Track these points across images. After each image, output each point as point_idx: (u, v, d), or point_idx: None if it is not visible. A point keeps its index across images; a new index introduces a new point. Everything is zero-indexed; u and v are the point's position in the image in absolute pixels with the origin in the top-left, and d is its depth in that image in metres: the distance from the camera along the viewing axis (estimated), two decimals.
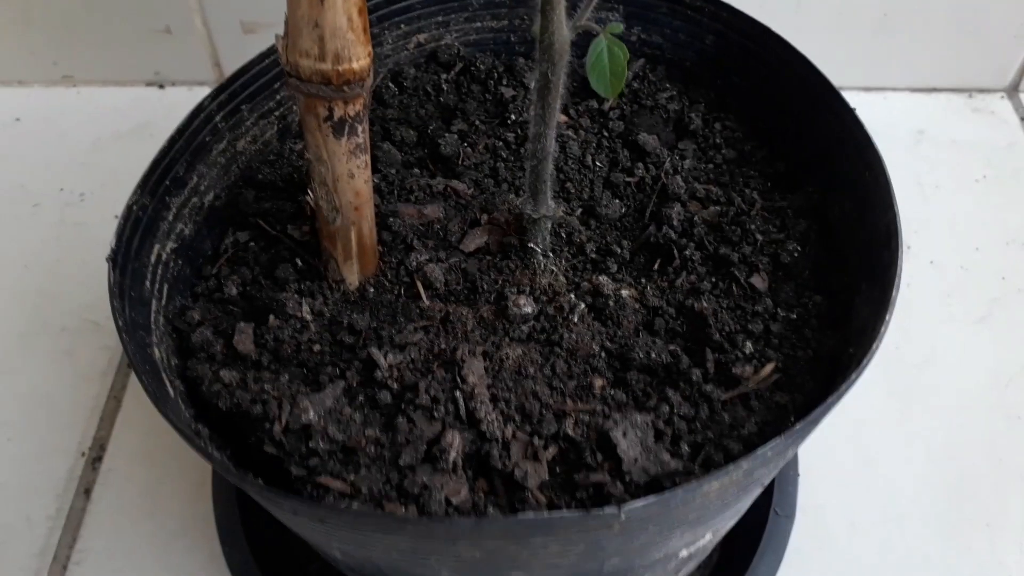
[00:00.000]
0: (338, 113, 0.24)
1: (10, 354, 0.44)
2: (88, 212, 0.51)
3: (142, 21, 0.54)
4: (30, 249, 0.49)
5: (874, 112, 0.55)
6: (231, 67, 0.55)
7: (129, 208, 0.25)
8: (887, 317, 0.22)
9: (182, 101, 0.56)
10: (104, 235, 0.48)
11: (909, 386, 0.43)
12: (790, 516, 0.36)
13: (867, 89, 0.57)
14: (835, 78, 0.55)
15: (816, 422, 0.21)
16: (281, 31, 0.51)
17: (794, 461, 0.37)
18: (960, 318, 0.46)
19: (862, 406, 0.42)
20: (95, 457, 0.42)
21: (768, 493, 0.36)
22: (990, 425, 0.42)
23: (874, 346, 0.22)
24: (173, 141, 0.27)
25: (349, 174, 0.26)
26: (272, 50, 0.30)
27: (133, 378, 0.44)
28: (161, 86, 0.57)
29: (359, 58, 0.23)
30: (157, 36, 0.54)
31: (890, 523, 0.39)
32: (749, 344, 0.25)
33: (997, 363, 0.44)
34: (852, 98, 0.54)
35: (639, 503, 0.19)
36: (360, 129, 0.25)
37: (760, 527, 0.35)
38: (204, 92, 0.55)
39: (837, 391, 0.21)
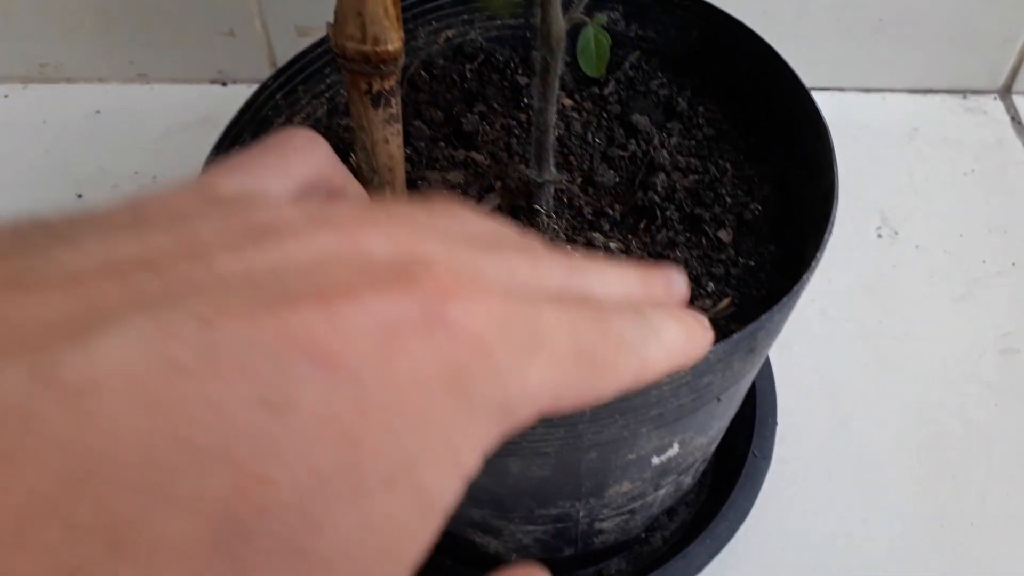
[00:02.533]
0: (376, 87, 0.30)
1: None
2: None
3: (208, 24, 0.60)
4: None
5: (872, 111, 0.60)
6: None
7: (205, 166, 0.31)
8: (819, 255, 0.27)
9: (242, 96, 0.63)
10: None
11: (888, 355, 0.47)
12: (767, 458, 0.40)
13: (866, 90, 0.61)
14: (835, 79, 0.60)
15: (753, 337, 0.26)
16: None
17: (772, 411, 0.42)
18: (940, 296, 0.50)
19: (843, 371, 0.47)
20: None
21: (747, 438, 0.41)
22: (962, 390, 0.46)
23: (804, 278, 0.26)
24: (242, 113, 0.33)
25: (384, 139, 0.31)
26: (323, 42, 0.36)
27: None
28: (224, 83, 0.64)
29: (392, 41, 0.29)
30: (221, 38, 0.61)
31: (862, 473, 0.43)
32: (711, 284, 0.30)
33: (973, 336, 0.48)
34: (851, 98, 0.60)
35: None
36: (393, 101, 0.31)
37: (739, 466, 0.40)
38: None
39: (770, 311, 0.26)
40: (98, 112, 0.63)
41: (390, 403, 0.13)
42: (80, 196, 0.57)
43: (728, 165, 0.34)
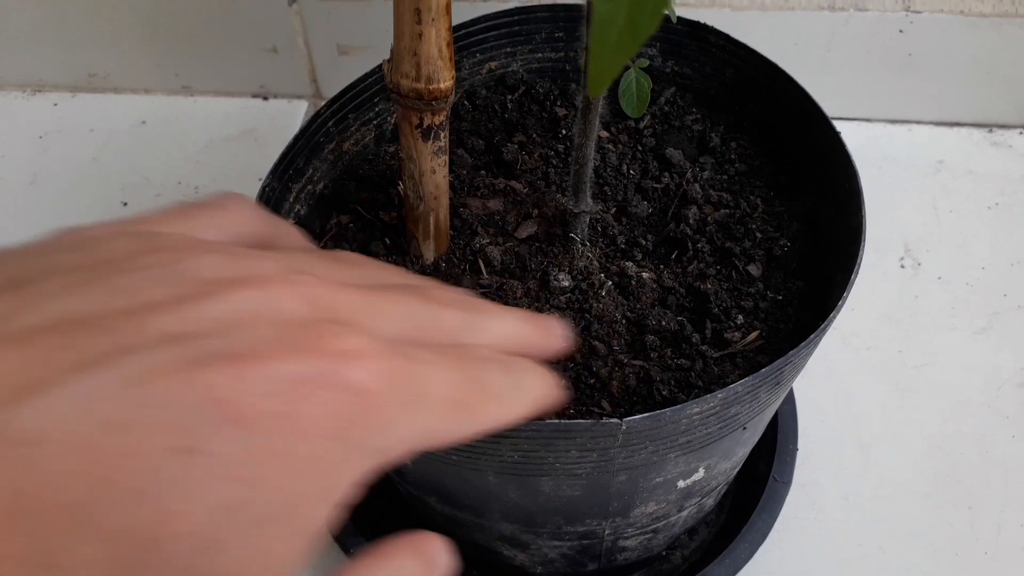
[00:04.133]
0: (427, 122, 0.31)
1: None
2: None
3: (253, 41, 0.62)
4: None
5: (898, 143, 0.61)
6: (326, 83, 0.64)
7: (263, 189, 0.33)
8: (845, 295, 0.28)
9: (283, 111, 0.65)
10: None
11: (908, 385, 0.48)
12: (787, 483, 0.42)
13: (892, 121, 0.62)
14: (862, 110, 0.61)
15: (780, 371, 0.27)
16: (369, 52, 0.59)
17: (794, 436, 0.43)
18: (962, 328, 0.51)
19: (863, 399, 0.48)
20: None
21: (768, 462, 0.42)
22: (980, 421, 0.47)
23: (831, 316, 0.28)
24: (297, 139, 0.35)
25: (432, 170, 0.33)
26: (373, 72, 0.37)
27: None
28: (265, 98, 0.66)
29: (445, 80, 0.30)
30: (264, 54, 0.63)
31: (880, 500, 0.44)
32: (740, 317, 0.32)
33: (993, 369, 0.49)
34: (878, 129, 0.61)
35: (637, 417, 0.26)
36: (442, 135, 0.32)
37: (760, 490, 0.41)
38: (302, 104, 0.65)
39: (797, 348, 0.27)
40: (144, 122, 0.65)
41: (286, 450, 0.16)
42: (125, 204, 0.59)
43: (759, 201, 0.36)
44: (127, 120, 0.65)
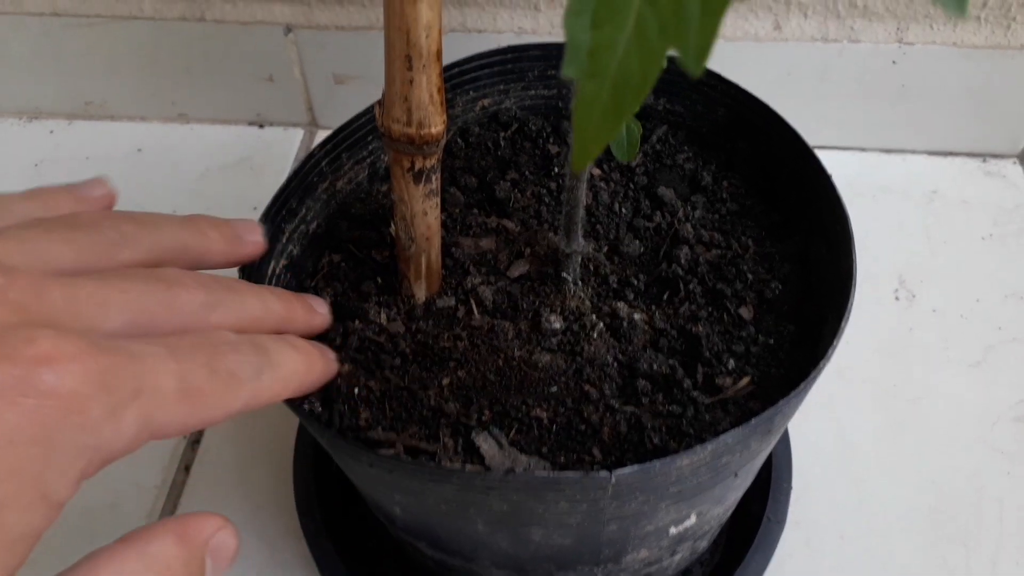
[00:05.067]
0: (418, 165, 0.31)
1: None
2: None
3: (249, 70, 0.63)
4: None
5: (892, 172, 0.61)
6: (322, 111, 0.64)
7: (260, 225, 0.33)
8: (835, 343, 0.28)
9: (279, 139, 0.65)
10: None
11: (903, 419, 0.48)
12: (781, 522, 0.41)
13: (887, 151, 0.62)
14: (857, 139, 0.61)
15: (770, 421, 0.27)
16: (365, 81, 0.60)
17: (788, 474, 0.43)
18: (956, 361, 0.51)
19: (858, 434, 0.48)
20: (194, 440, 0.49)
21: (762, 501, 0.42)
22: (974, 457, 0.47)
23: (821, 365, 0.28)
24: (290, 180, 0.35)
25: (423, 212, 0.33)
26: (367, 111, 0.37)
27: None
28: (261, 126, 0.66)
29: (436, 125, 0.30)
30: (260, 83, 0.63)
31: (874, 537, 0.44)
32: (732, 361, 0.32)
33: (987, 403, 0.49)
34: (872, 158, 0.61)
35: (626, 470, 0.25)
36: (434, 178, 0.32)
37: (754, 530, 0.41)
38: (298, 132, 0.65)
39: (786, 397, 0.27)
40: (140, 150, 0.65)
41: None
42: None
43: (750, 242, 0.36)
44: (123, 147, 0.65)
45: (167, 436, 0.20)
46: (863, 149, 0.62)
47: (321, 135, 0.65)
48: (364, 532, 0.42)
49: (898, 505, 0.45)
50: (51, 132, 0.67)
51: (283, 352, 0.23)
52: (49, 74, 0.65)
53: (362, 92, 0.62)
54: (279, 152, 0.64)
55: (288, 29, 0.59)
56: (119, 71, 0.64)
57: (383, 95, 0.30)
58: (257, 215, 0.60)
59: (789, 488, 0.43)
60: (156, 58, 0.63)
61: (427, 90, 0.29)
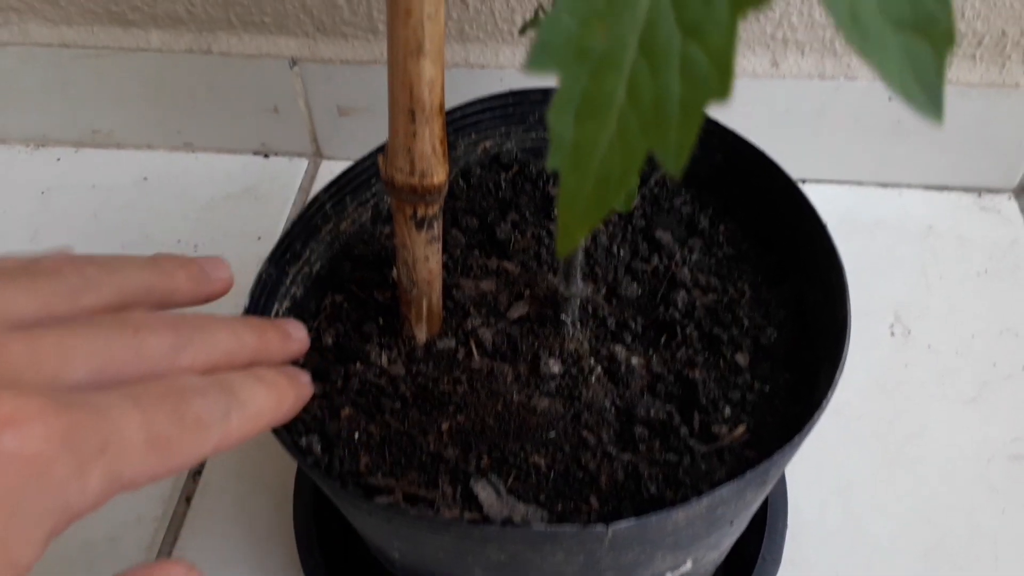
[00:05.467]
0: (420, 213, 0.32)
1: None
2: None
3: (254, 101, 0.63)
4: None
5: (888, 206, 0.62)
6: (327, 142, 0.65)
7: (260, 275, 0.34)
8: (830, 394, 0.29)
9: (283, 169, 0.66)
10: None
11: (898, 456, 0.49)
12: (776, 561, 0.42)
13: (883, 185, 0.63)
14: (853, 173, 0.62)
15: (765, 473, 0.27)
16: (369, 113, 0.60)
17: (783, 513, 0.43)
18: (951, 398, 0.51)
19: (853, 470, 0.48)
20: (195, 471, 0.50)
21: (758, 541, 0.42)
22: (970, 495, 0.47)
23: (815, 416, 0.28)
24: (295, 224, 0.35)
25: (425, 257, 0.34)
26: (370, 156, 0.38)
27: None
28: (266, 155, 0.67)
29: (438, 175, 0.31)
30: (266, 114, 0.64)
31: (870, 575, 0.44)
32: (728, 409, 0.32)
33: (982, 440, 0.49)
34: (868, 192, 0.62)
35: (623, 524, 0.26)
36: (436, 225, 0.33)
37: (749, 570, 0.41)
38: (303, 162, 0.66)
39: (781, 450, 0.27)
40: (145, 179, 0.66)
41: None
42: None
43: (746, 287, 0.36)
44: (129, 176, 0.66)
45: (137, 487, 0.19)
46: (860, 183, 0.63)
47: (325, 165, 0.66)
48: (363, 568, 0.42)
49: (894, 544, 0.45)
50: (58, 160, 0.67)
51: (251, 390, 0.23)
52: (56, 103, 0.65)
53: (366, 124, 0.63)
54: (283, 182, 0.65)
55: (293, 62, 0.60)
56: (126, 101, 0.65)
57: (386, 145, 0.31)
58: (261, 245, 0.61)
59: (785, 527, 0.43)
60: (162, 89, 0.64)
61: (430, 142, 0.30)
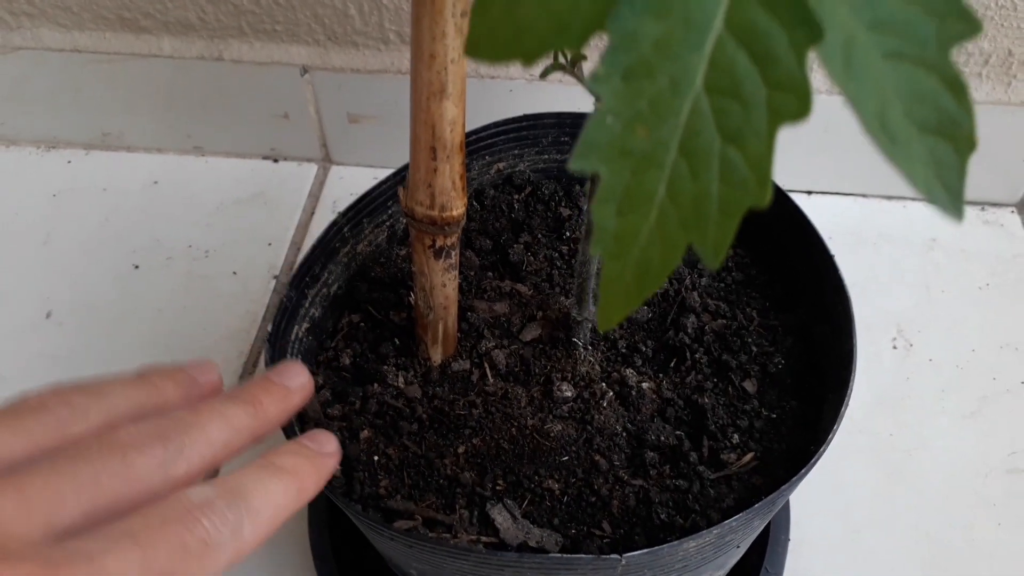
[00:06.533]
0: (439, 243, 0.33)
1: None
2: (211, 267, 0.61)
3: (265, 107, 0.64)
4: (163, 296, 0.59)
5: (893, 219, 0.62)
6: (336, 148, 0.65)
7: (282, 301, 0.35)
8: (835, 427, 0.30)
9: (293, 174, 0.67)
10: (224, 288, 0.58)
11: (899, 469, 0.50)
12: (779, 574, 0.43)
13: (888, 198, 0.64)
14: (859, 186, 0.62)
15: (773, 503, 0.28)
16: (378, 121, 0.61)
17: (786, 526, 0.44)
18: (951, 412, 0.52)
19: (855, 484, 0.49)
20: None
21: (760, 554, 0.43)
22: (967, 509, 0.48)
23: (822, 449, 0.29)
24: (314, 248, 0.36)
25: (442, 284, 0.34)
26: (387, 180, 0.39)
27: None
28: (275, 160, 0.67)
29: (457, 208, 0.32)
30: (276, 120, 0.65)
31: None
32: (736, 436, 0.33)
33: (981, 455, 0.50)
34: (873, 204, 0.62)
35: (635, 553, 0.27)
36: (453, 254, 0.34)
37: None
38: (312, 167, 0.66)
39: (789, 482, 0.28)
40: (156, 182, 0.66)
41: None
42: (137, 267, 0.61)
43: (754, 313, 0.37)
44: (139, 180, 0.66)
45: None
46: (865, 195, 0.63)
47: (335, 170, 0.67)
48: (375, 575, 0.43)
49: (893, 556, 0.46)
50: (68, 162, 0.68)
51: (264, 489, 0.21)
52: (67, 106, 0.66)
53: (375, 131, 0.63)
54: (293, 187, 0.66)
55: (304, 70, 0.61)
56: (136, 105, 0.65)
57: (407, 179, 0.32)
58: (272, 251, 0.61)
59: (787, 540, 0.44)
60: (173, 94, 0.64)
61: (450, 177, 0.31)
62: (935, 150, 0.15)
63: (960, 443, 0.51)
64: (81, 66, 0.63)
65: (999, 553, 0.46)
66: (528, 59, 0.16)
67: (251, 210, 0.64)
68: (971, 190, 0.57)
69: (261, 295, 0.58)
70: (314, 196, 0.65)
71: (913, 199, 0.63)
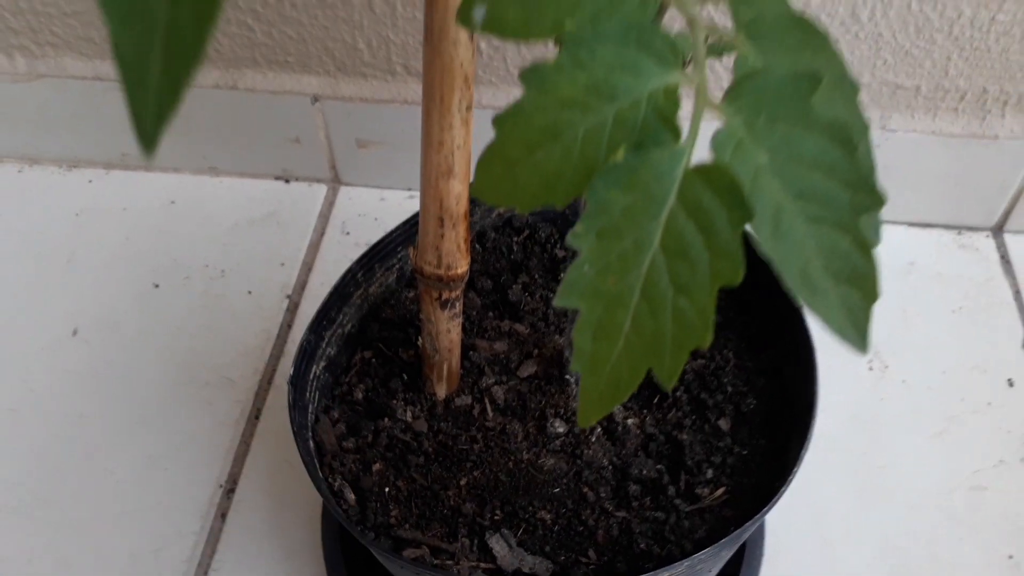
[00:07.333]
0: (445, 296, 0.36)
1: (165, 401, 0.58)
2: (227, 286, 0.64)
3: (277, 132, 0.67)
4: (181, 315, 0.62)
5: None
6: (345, 170, 0.69)
7: (302, 344, 0.38)
8: (795, 469, 0.33)
9: (304, 194, 0.70)
10: (239, 306, 0.62)
11: (870, 485, 0.53)
12: None
13: None
14: None
15: (739, 537, 0.32)
16: (385, 148, 0.64)
17: (761, 541, 0.48)
18: (921, 431, 0.56)
19: (828, 499, 0.53)
20: (229, 488, 0.55)
21: (737, 566, 0.47)
22: (932, 524, 0.52)
23: (783, 488, 0.33)
24: (331, 294, 0.39)
25: (447, 330, 0.38)
26: (396, 229, 0.42)
27: (260, 427, 0.57)
28: (287, 181, 0.71)
29: (461, 267, 0.35)
30: (288, 143, 0.68)
31: None
32: (710, 471, 0.37)
33: (947, 473, 0.54)
34: None
35: None
36: (458, 304, 0.37)
37: None
38: (322, 188, 0.70)
39: (752, 519, 0.32)
40: (173, 202, 0.70)
41: None
42: (157, 286, 0.64)
43: (731, 354, 0.41)
44: (158, 199, 0.70)
45: None
46: None
47: (344, 191, 0.70)
48: None
49: (864, 568, 0.50)
50: (90, 181, 0.71)
51: None
52: (88, 128, 0.69)
53: (382, 156, 0.66)
54: (304, 207, 0.69)
55: (315, 99, 0.64)
56: None
57: (417, 241, 0.35)
58: (285, 271, 0.65)
59: (761, 553, 0.48)
60: (190, 119, 0.67)
61: (455, 241, 0.34)
62: (847, 297, 0.18)
63: (928, 461, 0.54)
64: (102, 92, 0.66)
65: (960, 565, 0.50)
66: (523, 208, 0.19)
67: (264, 230, 0.68)
68: (949, 215, 0.60)
69: (275, 313, 0.62)
70: (324, 216, 0.69)
71: (894, 223, 0.67)
